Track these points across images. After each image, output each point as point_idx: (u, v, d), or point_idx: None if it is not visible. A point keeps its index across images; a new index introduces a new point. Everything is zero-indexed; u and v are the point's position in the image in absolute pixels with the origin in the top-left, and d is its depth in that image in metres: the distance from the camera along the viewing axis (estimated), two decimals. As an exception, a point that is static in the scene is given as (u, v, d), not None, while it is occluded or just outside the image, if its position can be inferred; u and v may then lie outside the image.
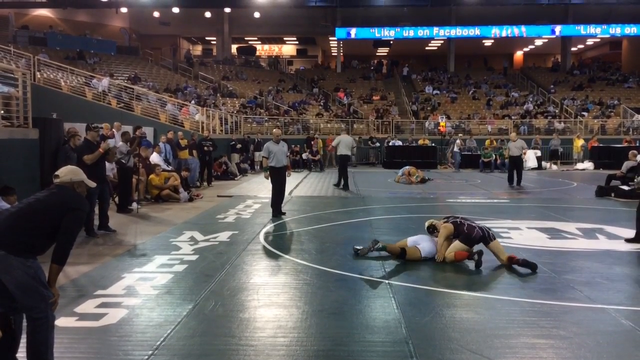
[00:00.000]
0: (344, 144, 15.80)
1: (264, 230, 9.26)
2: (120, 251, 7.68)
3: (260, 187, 16.00)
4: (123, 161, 11.15)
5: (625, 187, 13.87)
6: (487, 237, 6.85)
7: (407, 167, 18.68)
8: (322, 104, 34.03)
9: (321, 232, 9.16)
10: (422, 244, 7.11)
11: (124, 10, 38.20)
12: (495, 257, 6.84)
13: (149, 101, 23.13)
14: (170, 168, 14.55)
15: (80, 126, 12.25)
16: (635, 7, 37.01)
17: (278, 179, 10.82)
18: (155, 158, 14.23)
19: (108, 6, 36.82)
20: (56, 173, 4.02)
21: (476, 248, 6.86)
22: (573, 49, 45.18)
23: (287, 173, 11.01)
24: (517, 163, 17.02)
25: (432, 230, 7.18)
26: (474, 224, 6.99)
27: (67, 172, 4.01)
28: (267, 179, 10.95)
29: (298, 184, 17.13)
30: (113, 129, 13.78)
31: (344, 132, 18.66)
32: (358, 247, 7.34)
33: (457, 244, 6.84)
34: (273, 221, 10.19)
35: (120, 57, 35.19)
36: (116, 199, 11.78)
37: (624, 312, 5.05)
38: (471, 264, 6.76)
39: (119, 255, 7.40)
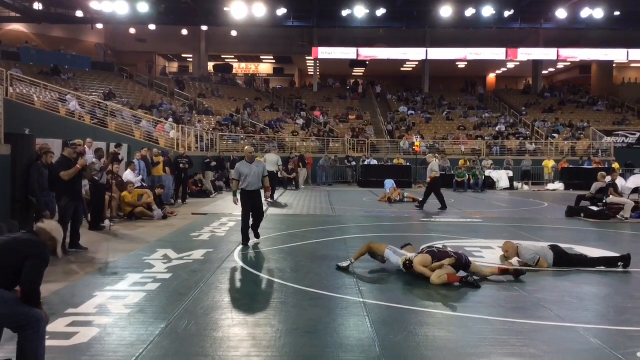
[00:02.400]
0: (270, 162, 17.62)
1: (239, 248, 9.22)
2: (91, 269, 7.58)
3: (234, 205, 15.93)
4: (96, 178, 11.04)
5: (595, 208, 14.16)
6: (468, 263, 7.06)
7: (391, 184, 18.82)
8: (302, 123, 34.15)
9: (296, 251, 9.16)
10: (392, 256, 7.42)
11: (99, 26, 38.04)
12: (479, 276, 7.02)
13: (123, 118, 22.96)
14: (144, 185, 14.43)
15: (52, 142, 12.10)
16: (603, 32, 38.12)
17: (250, 203, 9.52)
18: (129, 175, 14.10)
19: (84, 22, 36.63)
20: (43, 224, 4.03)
21: (461, 273, 6.94)
22: (544, 72, 46.24)
23: (265, 195, 10.02)
24: (434, 185, 15.82)
25: (410, 266, 7.10)
26: (452, 251, 7.23)
27: (54, 227, 4.05)
28: (237, 204, 9.72)
29: (268, 198, 17.10)
30: (85, 146, 13.62)
31: (274, 151, 20.68)
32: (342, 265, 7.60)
33: (449, 268, 6.89)
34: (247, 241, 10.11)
35: (95, 73, 34.92)
36: (88, 217, 11.62)
37: (593, 331, 5.15)
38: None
39: (91, 274, 7.30)
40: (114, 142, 15.59)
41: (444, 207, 15.60)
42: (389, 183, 18.99)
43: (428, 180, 15.80)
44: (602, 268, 7.85)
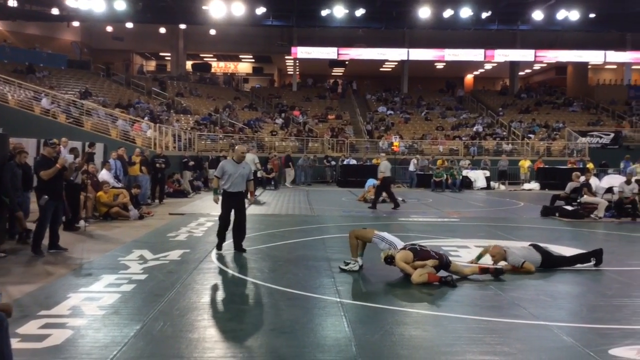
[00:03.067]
0: (247, 161, 18.14)
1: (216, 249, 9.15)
2: (66, 270, 7.47)
3: (213, 205, 15.82)
4: (71, 178, 10.88)
5: (569, 207, 14.38)
6: (449, 263, 7.13)
7: (372, 183, 18.87)
8: (281, 123, 34.09)
9: (274, 251, 9.14)
10: (381, 243, 7.45)
11: (75, 24, 37.50)
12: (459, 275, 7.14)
13: (99, 117, 22.70)
14: (120, 185, 14.28)
15: (27, 141, 11.92)
16: (579, 34, 38.68)
17: (230, 204, 8.86)
18: (104, 175, 13.94)
19: (60, 20, 36.08)
20: None
21: (441, 273, 7.00)
22: (521, 73, 46.76)
23: (248, 200, 9.19)
24: (384, 184, 16.19)
25: (390, 261, 7.16)
26: (433, 250, 7.28)
27: None
28: (217, 202, 8.99)
29: (252, 202, 17.05)
30: (60, 145, 13.42)
31: (252, 151, 21.58)
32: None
33: (430, 268, 6.92)
34: (225, 240, 10.02)
35: (71, 72, 34.45)
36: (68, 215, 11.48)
37: (566, 329, 5.22)
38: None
39: (65, 275, 7.20)
40: (90, 142, 15.40)
41: (396, 205, 15.90)
42: (370, 182, 19.07)
43: (378, 180, 15.89)
44: (579, 265, 7.95)
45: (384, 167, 16.07)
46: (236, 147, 9.42)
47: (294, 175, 26.19)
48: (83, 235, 10.56)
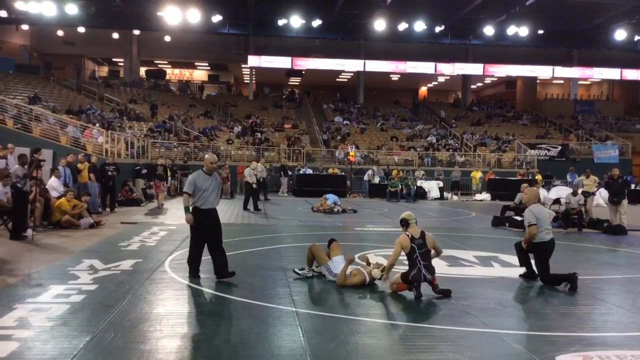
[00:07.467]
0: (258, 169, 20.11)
1: (170, 258, 9.01)
2: (12, 281, 7.21)
3: (166, 214, 15.61)
4: (19, 185, 10.54)
5: (518, 218, 14.75)
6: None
7: (333, 200, 18.78)
8: (237, 132, 33.88)
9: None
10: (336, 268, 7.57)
11: (25, 27, 36.40)
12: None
13: (48, 122, 22.07)
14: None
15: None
16: (528, 50, 39.90)
17: (205, 225, 7.62)
18: (53, 182, 13.55)
19: (8, 22, 34.91)
20: None
21: None
22: (472, 86, 47.92)
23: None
24: (248, 189, 18.39)
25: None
26: None
27: None
28: (191, 223, 7.59)
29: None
30: (7, 151, 12.99)
31: (262, 161, 22.97)
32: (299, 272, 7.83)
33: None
34: (179, 250, 9.90)
35: (20, 76, 33.40)
36: (9, 225, 11.09)
37: (515, 337, 5.36)
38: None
39: (11, 285, 6.95)
40: (35, 148, 14.92)
41: (245, 208, 17.76)
42: (332, 198, 18.74)
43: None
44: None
45: (247, 173, 18.16)
46: (206, 157, 8.00)
47: (287, 184, 27.04)
48: (31, 245, 10.22)
